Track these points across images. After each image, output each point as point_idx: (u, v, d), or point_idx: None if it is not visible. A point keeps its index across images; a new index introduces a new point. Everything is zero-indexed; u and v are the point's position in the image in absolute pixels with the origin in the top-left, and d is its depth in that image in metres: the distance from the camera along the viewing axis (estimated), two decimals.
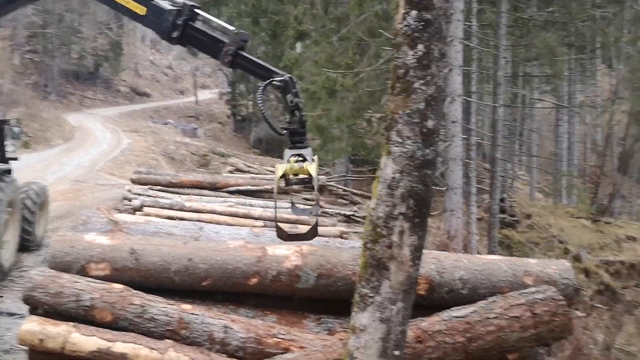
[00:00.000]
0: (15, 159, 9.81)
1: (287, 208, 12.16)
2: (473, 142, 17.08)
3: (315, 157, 4.91)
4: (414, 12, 2.86)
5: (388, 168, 2.99)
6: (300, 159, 4.74)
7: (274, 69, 5.17)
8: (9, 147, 9.80)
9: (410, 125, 2.92)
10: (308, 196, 13.79)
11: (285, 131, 5.01)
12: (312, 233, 4.49)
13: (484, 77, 18.81)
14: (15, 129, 10.03)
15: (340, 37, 10.65)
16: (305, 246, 4.26)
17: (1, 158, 9.27)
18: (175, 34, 5.50)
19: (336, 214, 13.15)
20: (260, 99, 5.07)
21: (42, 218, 10.42)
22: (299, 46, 14.68)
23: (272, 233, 4.91)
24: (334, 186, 16.87)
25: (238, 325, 3.85)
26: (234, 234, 4.64)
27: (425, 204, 3.02)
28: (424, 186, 2.98)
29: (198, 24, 5.54)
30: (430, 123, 2.93)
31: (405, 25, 2.90)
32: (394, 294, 3.01)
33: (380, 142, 11.62)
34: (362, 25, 10.37)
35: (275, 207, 5.73)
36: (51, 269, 4.09)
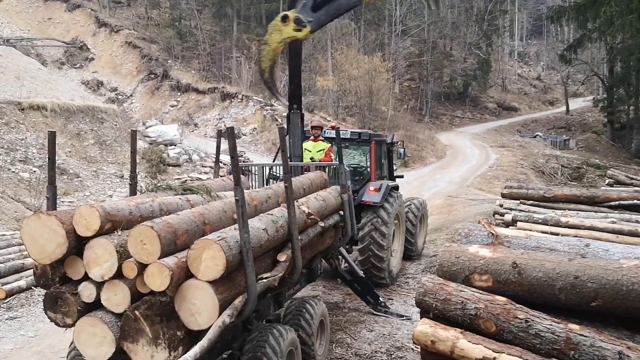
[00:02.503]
0: (400, 176, 11.03)
1: None
2: None
3: None
4: None
5: None
6: None
7: None
8: (395, 166, 11.09)
9: None
10: None
11: None
12: None
13: None
14: (400, 150, 11.26)
15: None
16: None
17: (390, 176, 10.53)
18: None
19: None
20: None
21: (422, 230, 11.38)
22: None
23: None
24: None
25: (636, 353, 3.46)
26: (627, 253, 4.20)
27: None
28: None
29: None
30: None
31: None
32: None
33: None
34: None
35: None
36: (439, 277, 4.43)
